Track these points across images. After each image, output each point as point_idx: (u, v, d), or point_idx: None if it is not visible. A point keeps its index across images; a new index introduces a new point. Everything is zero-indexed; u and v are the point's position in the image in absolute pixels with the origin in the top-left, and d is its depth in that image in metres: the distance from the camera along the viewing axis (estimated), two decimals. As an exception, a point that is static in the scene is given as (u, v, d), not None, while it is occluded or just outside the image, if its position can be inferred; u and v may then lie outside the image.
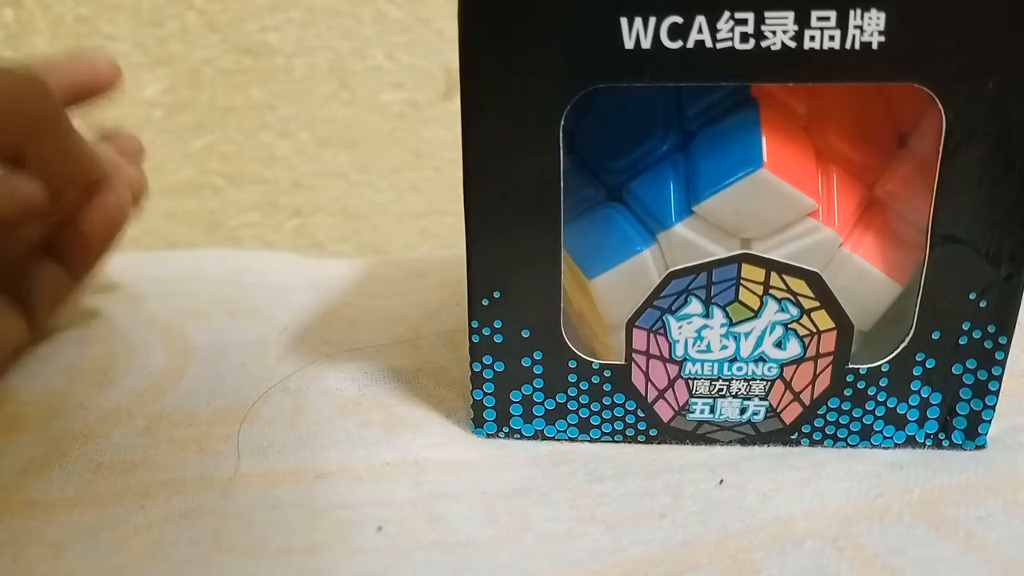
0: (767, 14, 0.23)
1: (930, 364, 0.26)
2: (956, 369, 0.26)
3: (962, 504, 0.25)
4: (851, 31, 0.23)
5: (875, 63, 0.23)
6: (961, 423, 0.27)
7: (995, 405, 0.27)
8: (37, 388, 0.32)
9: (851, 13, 0.22)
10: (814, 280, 0.26)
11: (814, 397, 0.27)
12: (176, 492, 0.26)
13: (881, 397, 0.27)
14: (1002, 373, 0.26)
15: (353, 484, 0.26)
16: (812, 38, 0.23)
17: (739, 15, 0.23)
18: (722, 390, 0.27)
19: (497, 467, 0.27)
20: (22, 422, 0.29)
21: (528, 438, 0.29)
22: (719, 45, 0.23)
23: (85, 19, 0.49)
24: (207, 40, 0.50)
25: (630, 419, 0.28)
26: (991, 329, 0.26)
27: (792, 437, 0.28)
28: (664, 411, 0.28)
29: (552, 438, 0.29)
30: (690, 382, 0.27)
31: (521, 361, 0.27)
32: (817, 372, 0.27)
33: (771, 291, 0.26)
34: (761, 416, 0.28)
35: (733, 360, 0.27)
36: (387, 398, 0.31)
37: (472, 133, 0.25)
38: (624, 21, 0.23)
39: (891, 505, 0.25)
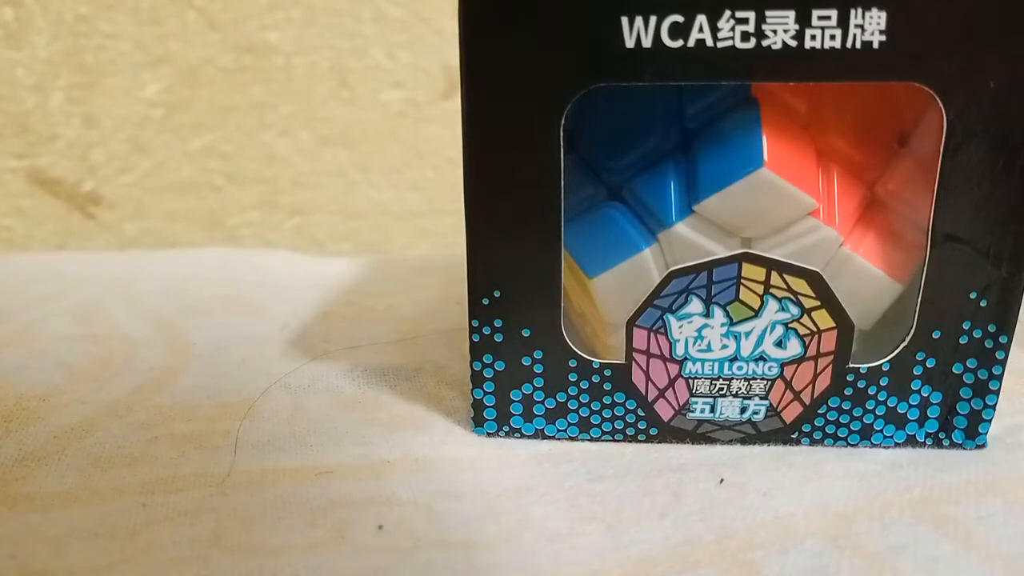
0: (768, 13, 0.23)
1: (930, 363, 0.26)
2: (956, 368, 0.26)
3: (962, 503, 0.25)
4: (852, 30, 0.23)
5: (876, 62, 0.23)
6: (961, 422, 0.27)
7: (995, 404, 0.27)
8: (37, 383, 0.32)
9: (852, 12, 0.22)
10: (815, 279, 0.26)
11: (814, 396, 0.27)
12: (176, 489, 0.26)
13: (881, 396, 0.27)
14: (1002, 372, 0.26)
15: (353, 482, 0.26)
16: (813, 37, 0.23)
17: (740, 14, 0.23)
18: (722, 389, 0.27)
19: (497, 466, 0.27)
20: (21, 416, 0.29)
21: (528, 437, 0.29)
22: (720, 44, 0.23)
23: (85, 18, 0.49)
24: (207, 39, 0.50)
25: (630, 418, 0.28)
26: (991, 328, 0.26)
27: (792, 436, 0.28)
28: (664, 410, 0.28)
29: (552, 437, 0.29)
30: (690, 381, 0.27)
31: (521, 360, 0.27)
32: (817, 371, 0.27)
33: (771, 290, 0.26)
34: (761, 415, 0.28)
35: (733, 359, 0.27)
36: (387, 396, 0.31)
37: (472, 132, 0.25)
38: (625, 20, 0.23)
39: (891, 504, 0.25)
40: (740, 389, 0.27)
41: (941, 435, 0.28)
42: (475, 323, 0.27)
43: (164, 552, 0.23)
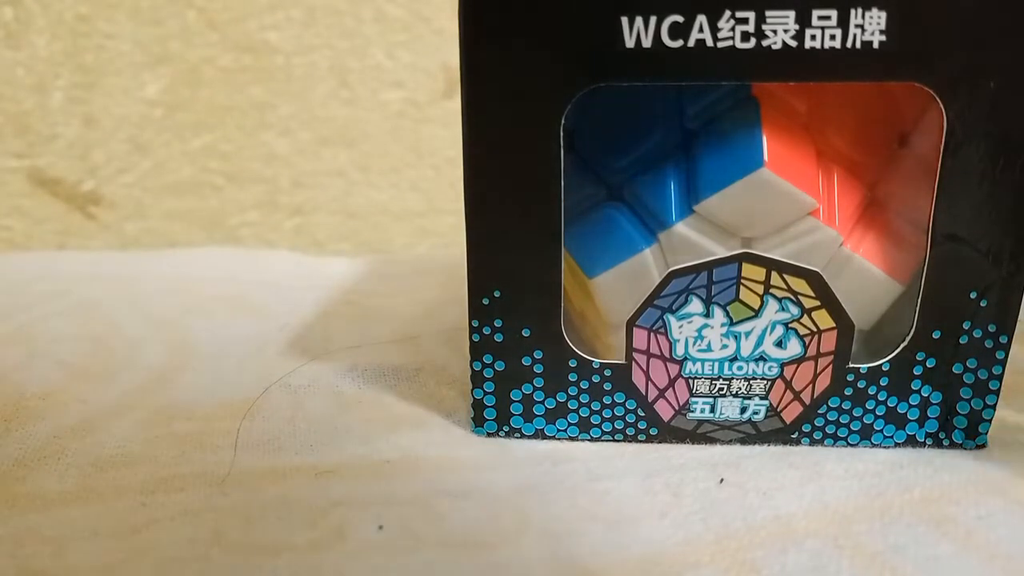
0: (768, 13, 0.23)
1: (930, 363, 0.26)
2: (956, 368, 0.26)
3: (962, 503, 0.25)
4: (852, 30, 0.23)
5: (876, 62, 0.23)
6: (961, 422, 0.27)
7: (995, 404, 0.27)
8: (37, 383, 0.32)
9: (852, 12, 0.22)
10: (815, 279, 0.26)
11: (814, 396, 0.27)
12: (177, 488, 0.26)
13: (881, 396, 0.27)
14: (1002, 372, 0.26)
15: (353, 482, 0.26)
16: (813, 37, 0.23)
17: (740, 14, 0.23)
18: (722, 389, 0.27)
19: (497, 466, 0.27)
20: (21, 415, 0.29)
21: (528, 437, 0.29)
22: (720, 44, 0.23)
23: (85, 18, 0.49)
24: (207, 39, 0.50)
25: (630, 418, 0.28)
26: (991, 328, 0.26)
27: (792, 436, 0.28)
28: (664, 410, 0.28)
29: (552, 437, 0.29)
30: (690, 381, 0.27)
31: (521, 360, 0.27)
32: (817, 371, 0.27)
33: (772, 290, 0.26)
34: (761, 415, 0.28)
35: (733, 359, 0.27)
36: (387, 396, 0.31)
37: (472, 132, 0.25)
38: (625, 20, 0.23)
39: (891, 504, 0.25)
40: (740, 389, 0.27)
41: (941, 435, 0.28)
42: (475, 323, 0.27)
43: (164, 552, 0.23)
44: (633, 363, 0.27)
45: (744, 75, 0.24)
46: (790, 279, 0.26)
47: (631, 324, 0.27)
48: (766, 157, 0.25)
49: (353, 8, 0.50)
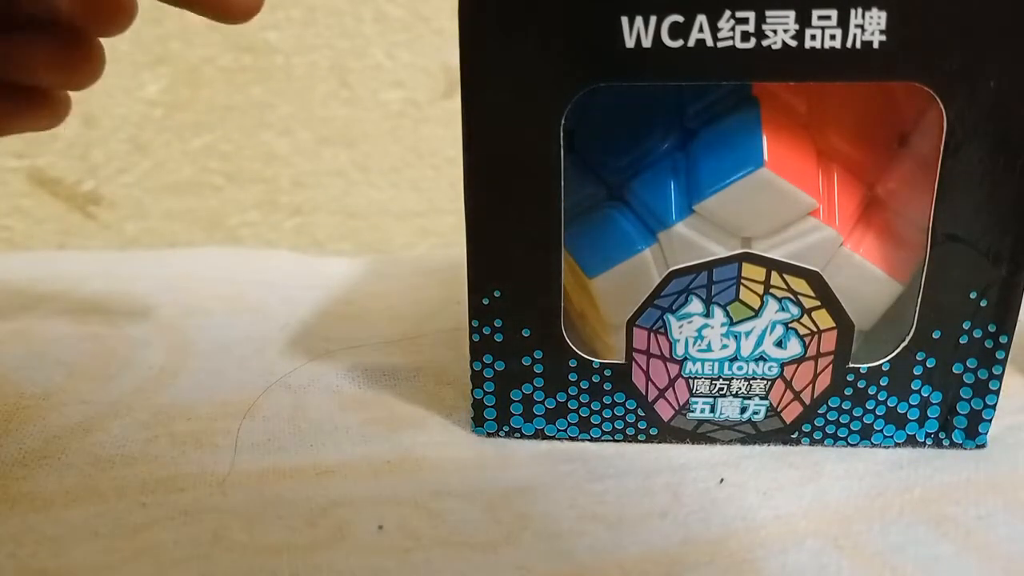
0: (768, 13, 0.23)
1: (931, 363, 0.26)
2: (956, 368, 0.26)
3: (962, 503, 0.25)
4: (852, 30, 0.23)
5: (876, 62, 0.23)
6: (961, 422, 0.27)
7: (995, 404, 0.27)
8: (37, 382, 0.32)
9: (852, 12, 0.22)
10: (815, 279, 0.26)
11: (814, 396, 0.27)
12: (177, 488, 0.26)
13: (881, 396, 0.27)
14: (1002, 372, 0.26)
15: (353, 482, 0.26)
16: (813, 37, 0.23)
17: (740, 14, 0.23)
18: (722, 389, 0.27)
19: (497, 466, 0.27)
20: (21, 415, 0.29)
21: (528, 437, 0.29)
22: (720, 44, 0.23)
23: (85, 17, 0.49)
24: (207, 39, 0.50)
25: (630, 418, 0.28)
26: (991, 328, 0.26)
27: (792, 436, 0.28)
28: (664, 410, 0.28)
29: (552, 437, 0.29)
30: (690, 381, 0.27)
31: (521, 360, 0.27)
32: (817, 371, 0.27)
33: (772, 290, 0.26)
34: (761, 415, 0.28)
35: (733, 359, 0.27)
36: (387, 396, 0.31)
37: (472, 132, 0.25)
38: (625, 20, 0.23)
39: (891, 504, 0.25)
40: (740, 389, 0.27)
41: (941, 435, 0.28)
42: (475, 323, 0.27)
43: (164, 552, 0.23)
44: (633, 363, 0.27)
45: (744, 75, 0.24)
46: (790, 279, 0.26)
47: (631, 324, 0.27)
48: (766, 157, 0.25)
49: (353, 8, 0.50)
